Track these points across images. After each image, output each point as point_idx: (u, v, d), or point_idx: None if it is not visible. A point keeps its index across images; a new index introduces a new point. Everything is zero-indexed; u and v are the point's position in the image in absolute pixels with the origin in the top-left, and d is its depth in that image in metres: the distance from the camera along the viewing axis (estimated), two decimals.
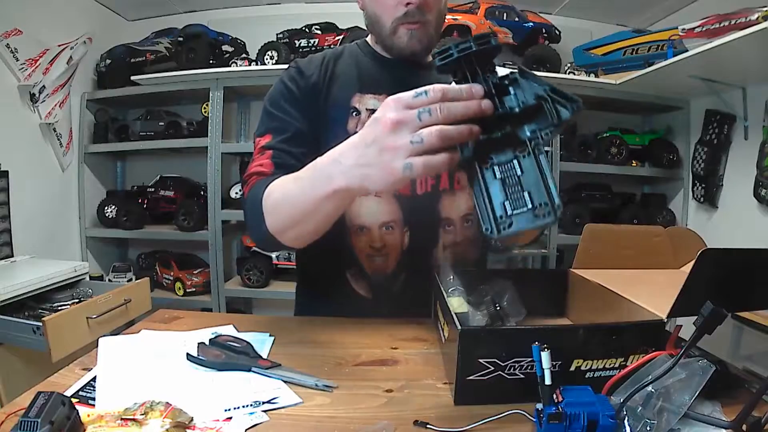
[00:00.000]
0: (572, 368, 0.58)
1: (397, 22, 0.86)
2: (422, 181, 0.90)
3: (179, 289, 2.37)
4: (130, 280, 2.35)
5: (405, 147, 0.52)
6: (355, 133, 0.77)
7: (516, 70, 0.54)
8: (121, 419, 0.52)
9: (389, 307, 0.90)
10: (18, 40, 1.94)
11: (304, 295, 1.05)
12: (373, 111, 0.86)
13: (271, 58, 2.27)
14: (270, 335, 0.79)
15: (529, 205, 0.50)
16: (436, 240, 0.92)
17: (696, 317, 0.53)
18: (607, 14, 2.51)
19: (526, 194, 0.51)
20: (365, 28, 0.97)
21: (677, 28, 1.84)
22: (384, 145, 0.54)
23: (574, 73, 2.28)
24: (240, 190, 2.23)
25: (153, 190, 2.53)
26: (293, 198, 0.69)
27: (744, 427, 0.50)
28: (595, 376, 0.59)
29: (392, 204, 0.88)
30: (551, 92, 0.51)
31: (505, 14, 2.29)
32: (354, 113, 0.89)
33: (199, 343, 0.70)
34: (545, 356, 0.51)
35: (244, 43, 2.45)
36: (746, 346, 1.43)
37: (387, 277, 0.91)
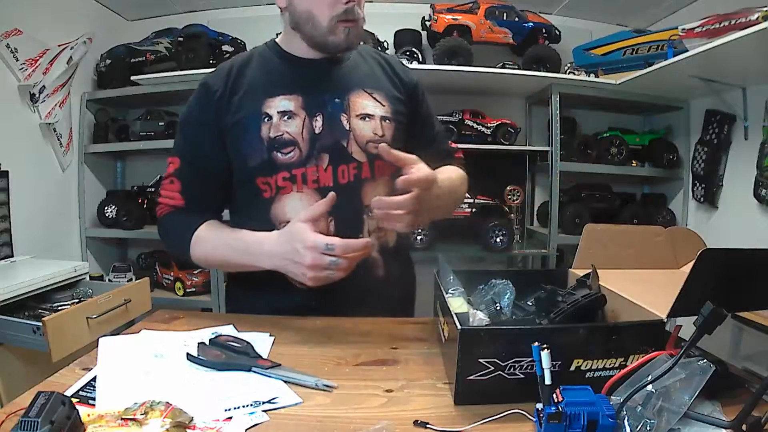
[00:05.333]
0: (572, 368, 0.58)
1: (336, 20, 0.88)
2: (344, 172, 0.93)
3: (179, 289, 2.36)
4: (130, 280, 2.34)
5: (325, 264, 0.76)
6: (269, 138, 0.91)
7: None
8: (122, 419, 0.52)
9: (327, 297, 0.87)
10: (18, 40, 1.94)
11: (237, 290, 1.05)
12: (284, 113, 0.91)
13: None
14: (270, 335, 0.79)
15: None
16: (360, 227, 0.94)
17: (696, 317, 0.53)
18: (607, 14, 2.50)
19: None
20: (285, 29, 0.96)
21: (677, 28, 1.83)
22: (303, 261, 0.77)
23: (574, 73, 2.28)
24: None
25: (153, 190, 2.52)
26: (222, 256, 0.92)
27: (744, 427, 0.50)
28: (595, 376, 0.59)
29: (315, 198, 0.89)
30: None
31: (505, 14, 2.29)
32: (266, 119, 0.91)
33: (199, 343, 0.70)
34: (545, 356, 0.51)
35: (244, 43, 2.44)
36: (746, 346, 1.43)
37: None
